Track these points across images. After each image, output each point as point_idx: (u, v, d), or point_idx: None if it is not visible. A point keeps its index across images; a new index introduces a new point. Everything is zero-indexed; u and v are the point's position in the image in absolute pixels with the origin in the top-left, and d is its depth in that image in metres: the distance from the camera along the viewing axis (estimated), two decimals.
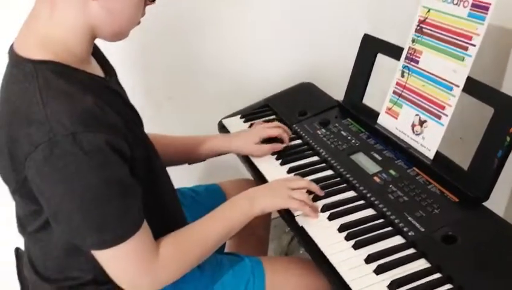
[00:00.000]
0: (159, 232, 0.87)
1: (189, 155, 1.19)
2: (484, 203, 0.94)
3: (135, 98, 1.63)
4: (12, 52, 0.77)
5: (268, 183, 1.04)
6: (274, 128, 1.21)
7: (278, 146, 1.19)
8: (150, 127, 1.61)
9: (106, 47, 0.94)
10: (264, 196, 0.96)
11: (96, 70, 0.87)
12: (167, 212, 0.96)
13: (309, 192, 1.01)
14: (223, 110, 1.46)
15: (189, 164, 1.22)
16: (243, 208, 0.94)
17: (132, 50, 1.47)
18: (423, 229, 0.90)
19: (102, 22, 0.78)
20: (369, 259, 0.86)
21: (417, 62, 1.12)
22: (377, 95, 1.29)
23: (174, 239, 0.86)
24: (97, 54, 0.93)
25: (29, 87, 0.71)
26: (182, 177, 1.21)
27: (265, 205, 0.94)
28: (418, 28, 1.13)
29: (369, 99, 1.29)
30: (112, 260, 0.79)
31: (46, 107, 0.70)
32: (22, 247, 1.03)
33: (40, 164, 0.70)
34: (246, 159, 1.21)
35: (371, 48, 1.26)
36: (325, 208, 0.99)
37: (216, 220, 0.92)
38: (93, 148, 0.70)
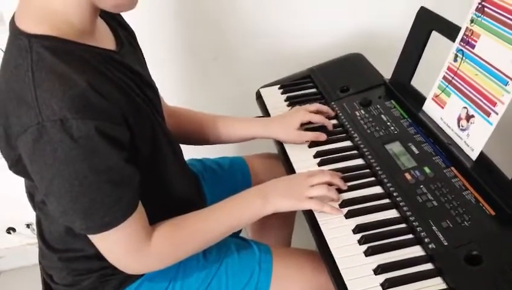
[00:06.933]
0: (165, 213, 0.85)
1: (219, 136, 1.11)
2: None
3: (179, 56, 1.58)
4: (12, 24, 0.74)
5: (288, 178, 0.95)
6: (317, 116, 1.10)
7: (322, 136, 1.07)
8: (195, 89, 1.56)
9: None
10: (279, 195, 0.88)
11: (105, 42, 0.82)
12: (175, 194, 0.93)
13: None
14: (269, 75, 1.37)
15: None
16: (254, 207, 0.88)
17: (172, 4, 1.40)
18: (446, 243, 0.81)
19: None
20: (378, 270, 0.79)
21: (473, 47, 0.97)
22: (429, 77, 1.15)
23: (170, 228, 0.83)
24: (112, 22, 0.88)
25: (23, 64, 0.69)
26: (201, 147, 1.17)
27: (279, 206, 0.88)
28: (480, 6, 0.97)
29: (419, 81, 1.16)
30: (100, 243, 0.78)
31: (37, 88, 0.67)
32: None
33: (29, 147, 0.68)
34: None
35: (426, 24, 1.11)
36: (343, 204, 0.92)
37: (222, 215, 0.87)
38: (82, 135, 0.67)
